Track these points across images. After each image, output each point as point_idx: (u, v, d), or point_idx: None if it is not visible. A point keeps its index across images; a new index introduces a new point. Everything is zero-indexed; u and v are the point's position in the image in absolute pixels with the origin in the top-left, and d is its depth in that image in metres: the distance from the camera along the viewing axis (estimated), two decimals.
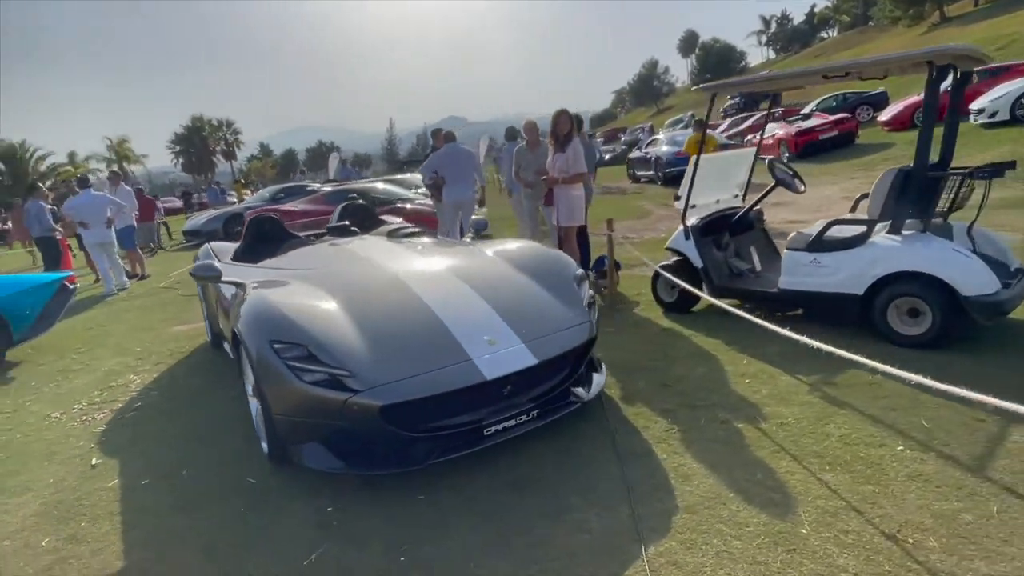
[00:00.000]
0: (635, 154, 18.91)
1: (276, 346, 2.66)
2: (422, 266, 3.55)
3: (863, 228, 3.79)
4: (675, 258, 4.86)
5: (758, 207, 4.99)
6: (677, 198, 4.87)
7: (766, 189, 4.81)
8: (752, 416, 2.99)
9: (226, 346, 4.21)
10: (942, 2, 42.61)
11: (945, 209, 3.83)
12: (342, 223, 5.25)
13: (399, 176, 14.96)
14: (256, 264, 4.12)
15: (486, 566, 2.15)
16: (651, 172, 16.69)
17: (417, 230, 4.96)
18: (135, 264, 10.22)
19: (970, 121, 13.64)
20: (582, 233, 6.11)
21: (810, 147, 16.02)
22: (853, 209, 4.61)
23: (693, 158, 4.70)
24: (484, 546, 2.25)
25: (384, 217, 5.92)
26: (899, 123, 15.73)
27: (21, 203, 12.80)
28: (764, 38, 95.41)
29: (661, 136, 18.87)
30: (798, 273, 4.04)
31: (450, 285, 3.21)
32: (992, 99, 13.35)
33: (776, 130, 17.50)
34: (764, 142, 17.16)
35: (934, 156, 3.79)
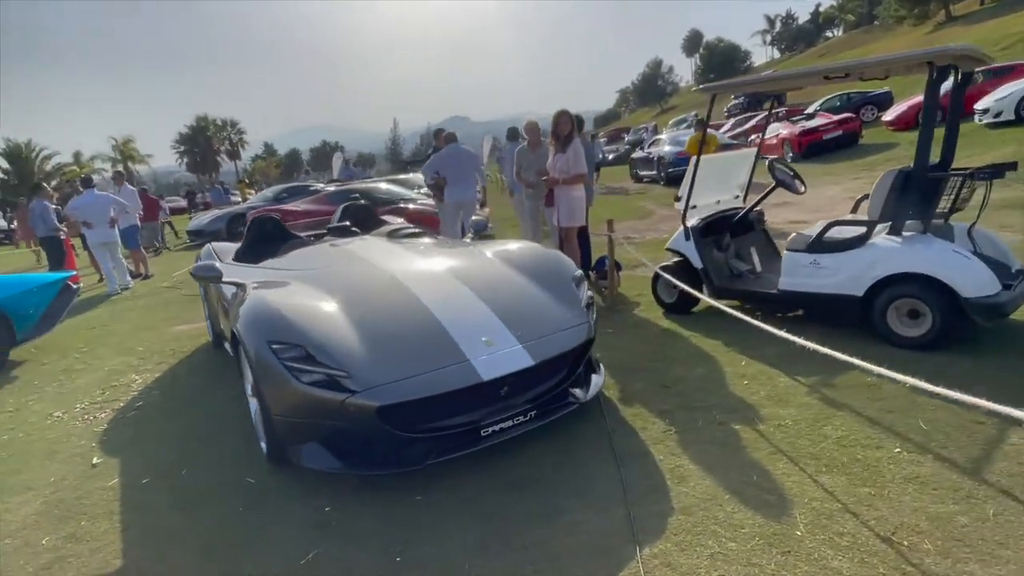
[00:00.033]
0: (638, 154, 18.89)
1: (274, 346, 2.68)
2: (421, 267, 3.56)
3: (863, 229, 3.78)
4: (675, 259, 4.86)
5: (758, 208, 4.99)
6: (677, 199, 4.87)
7: (766, 190, 4.80)
8: (750, 417, 2.99)
9: (227, 346, 4.23)
10: (948, 1, 42.43)
11: (946, 210, 3.82)
12: (343, 223, 5.26)
13: (402, 176, 14.98)
14: (257, 264, 4.13)
15: (482, 567, 2.15)
16: (654, 172, 16.67)
17: (417, 230, 4.97)
18: (138, 264, 10.27)
19: (975, 121, 13.59)
20: (583, 234, 6.11)
21: (814, 147, 15.98)
22: (854, 210, 4.60)
23: (693, 159, 4.70)
24: (480, 547, 2.26)
25: (385, 217, 5.92)
26: (903, 123, 15.68)
27: (26, 203, 12.87)
28: (768, 37, 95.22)
29: (664, 136, 18.85)
30: (798, 274, 4.04)
31: (448, 286, 3.22)
32: (997, 99, 13.31)
33: (780, 130, 17.46)
34: (768, 142, 17.20)
35: (935, 157, 3.79)
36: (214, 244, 5.15)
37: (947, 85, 3.83)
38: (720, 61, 76.94)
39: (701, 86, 4.82)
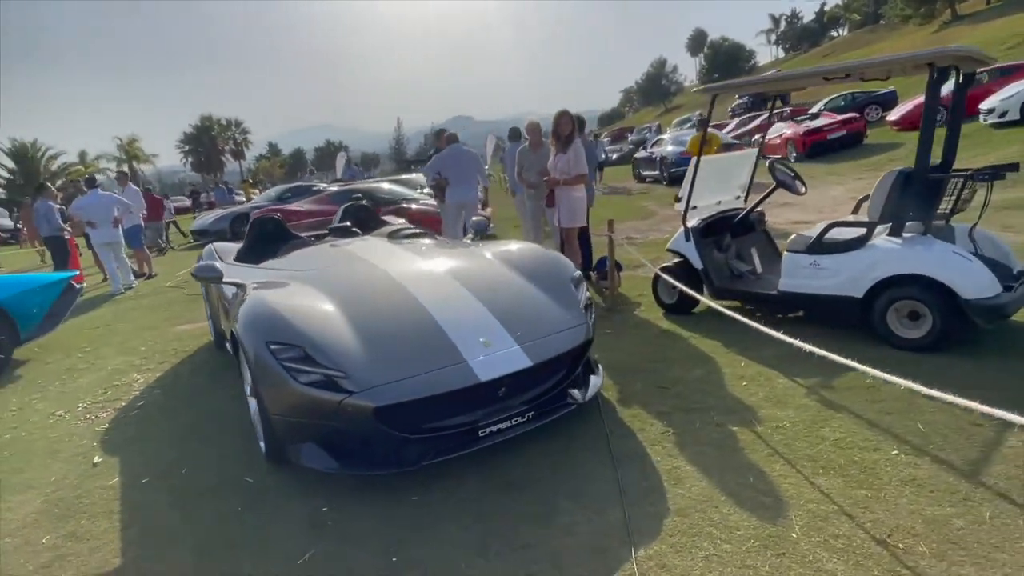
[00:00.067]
0: (640, 154, 18.87)
1: (273, 347, 2.69)
2: (420, 267, 3.57)
3: (863, 230, 3.77)
4: (676, 259, 4.85)
5: (759, 208, 4.98)
6: (678, 200, 4.87)
7: (767, 190, 4.79)
8: (747, 419, 2.99)
9: (228, 346, 4.25)
10: (954, 0, 42.23)
11: (947, 211, 3.81)
12: (344, 224, 5.28)
13: (404, 176, 15.01)
14: (257, 265, 4.15)
15: (477, 567, 2.16)
16: (656, 172, 16.65)
17: (418, 231, 4.98)
18: (142, 263, 10.31)
19: (979, 121, 13.53)
20: (584, 234, 6.11)
21: (818, 147, 15.93)
22: (855, 211, 4.59)
23: (694, 159, 4.70)
24: (477, 547, 2.27)
25: (386, 218, 5.94)
26: (908, 123, 15.61)
27: (30, 203, 12.95)
28: (773, 37, 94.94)
29: (666, 136, 18.83)
30: (798, 275, 4.03)
31: (447, 287, 3.23)
32: (1002, 99, 13.24)
33: (784, 129, 17.42)
34: (772, 141, 17.18)
35: (936, 158, 3.78)
36: (215, 244, 5.17)
37: (950, 86, 3.83)
38: (724, 60, 76.77)
39: (701, 87, 4.81)
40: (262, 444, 3.03)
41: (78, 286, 6.13)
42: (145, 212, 10.65)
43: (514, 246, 3.80)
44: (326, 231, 5.29)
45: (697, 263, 4.62)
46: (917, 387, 1.97)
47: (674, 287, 4.48)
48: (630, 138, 33.96)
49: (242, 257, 4.52)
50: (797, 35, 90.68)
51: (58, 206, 9.70)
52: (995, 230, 4.11)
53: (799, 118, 18.66)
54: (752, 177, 5.15)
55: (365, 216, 5.52)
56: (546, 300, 3.20)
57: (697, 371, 3.68)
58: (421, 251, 3.98)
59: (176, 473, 3.11)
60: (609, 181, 19.38)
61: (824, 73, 4.04)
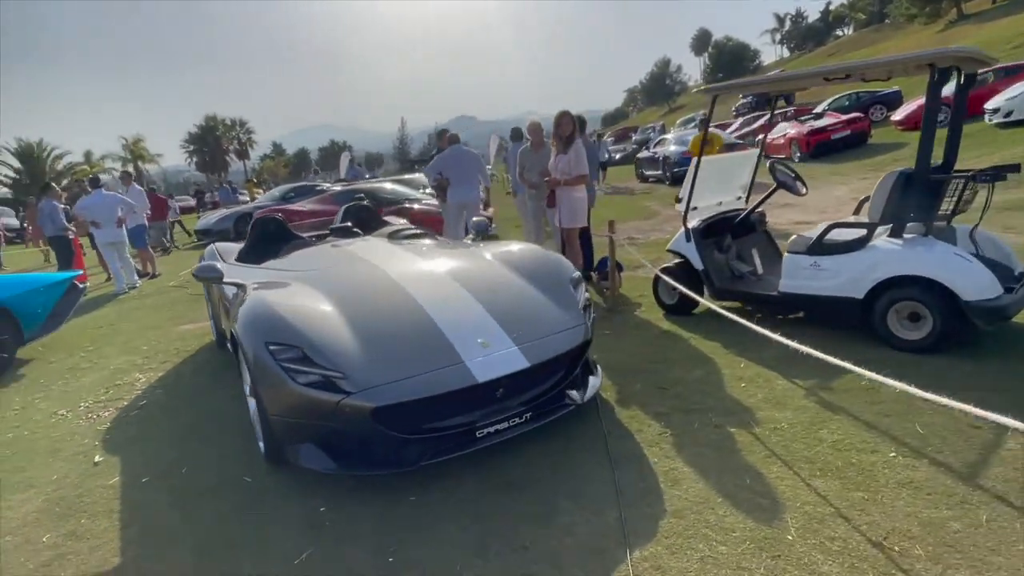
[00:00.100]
0: (643, 154, 18.86)
1: (271, 347, 2.70)
2: (419, 268, 3.57)
3: (863, 231, 3.76)
4: (677, 260, 4.85)
5: (760, 209, 4.97)
6: (678, 200, 4.86)
7: (768, 191, 4.78)
8: (746, 420, 2.99)
9: (228, 346, 4.27)
10: None
11: (948, 212, 3.80)
12: (345, 224, 5.29)
13: (407, 176, 15.02)
14: (258, 265, 4.16)
15: (473, 568, 2.17)
16: (659, 172, 16.63)
17: (419, 231, 4.99)
18: (146, 263, 10.36)
19: (985, 121, 13.48)
20: (585, 235, 6.11)
21: (822, 147, 15.90)
22: (856, 211, 4.58)
23: (694, 160, 4.69)
24: (473, 548, 2.27)
25: (387, 218, 5.95)
26: (913, 123, 15.55)
27: (35, 203, 13.02)
28: (778, 36, 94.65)
29: (669, 136, 18.81)
30: (798, 276, 4.02)
31: (446, 287, 3.23)
32: (1008, 98, 13.18)
33: (788, 129, 17.38)
34: (775, 141, 17.12)
35: (938, 159, 3.76)
36: (217, 244, 5.19)
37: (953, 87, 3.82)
38: (729, 60, 76.60)
39: (702, 87, 4.81)
40: (261, 444, 3.04)
41: (81, 286, 6.16)
42: (149, 212, 10.70)
43: (514, 247, 3.81)
44: (327, 231, 5.30)
45: (698, 264, 4.62)
46: (912, 390, 1.96)
47: (674, 288, 4.48)
48: (634, 138, 33.92)
49: (243, 257, 4.54)
50: (802, 34, 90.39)
51: (62, 206, 9.75)
52: (997, 231, 4.10)
53: (803, 118, 18.61)
54: (753, 178, 5.14)
55: (366, 216, 5.53)
56: (545, 301, 3.20)
57: (696, 372, 3.68)
58: (421, 252, 3.99)
59: (176, 473, 3.12)
60: (612, 181, 19.36)
61: (825, 74, 4.04)
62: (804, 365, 3.39)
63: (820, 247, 3.91)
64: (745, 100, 34.11)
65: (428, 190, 11.19)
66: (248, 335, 2.84)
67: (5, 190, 46.58)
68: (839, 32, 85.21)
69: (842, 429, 2.80)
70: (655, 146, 18.21)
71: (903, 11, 47.82)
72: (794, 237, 4.13)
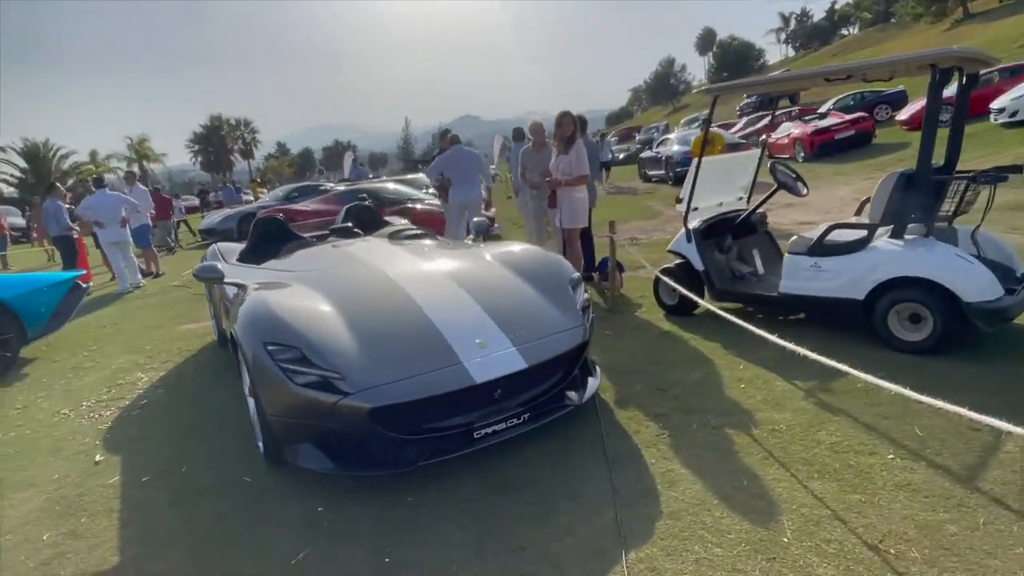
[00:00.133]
0: (646, 154, 18.84)
1: (270, 348, 2.71)
2: (418, 268, 3.58)
3: (864, 232, 3.75)
4: (677, 261, 4.84)
5: (761, 210, 4.96)
6: (679, 201, 4.85)
7: (768, 192, 4.77)
8: (744, 422, 2.98)
9: (230, 346, 4.29)
10: None
11: (950, 213, 3.78)
12: (345, 224, 5.30)
13: (410, 176, 15.04)
14: (259, 265, 4.17)
15: (470, 568, 2.17)
16: (662, 172, 16.60)
17: (419, 232, 5.00)
18: (150, 262, 10.41)
19: (990, 120, 13.41)
20: (586, 235, 6.11)
21: (826, 147, 15.84)
22: (858, 212, 4.57)
23: (695, 160, 4.68)
24: (470, 548, 2.27)
25: (388, 218, 5.96)
26: (918, 122, 15.44)
27: (40, 202, 13.10)
28: (783, 36, 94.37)
29: (672, 136, 18.78)
30: (799, 277, 4.01)
31: (444, 288, 3.24)
32: (1013, 98, 13.11)
33: (792, 129, 17.32)
34: (779, 141, 17.07)
35: (939, 159, 3.75)
36: (219, 244, 5.21)
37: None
38: (733, 59, 76.44)
39: (703, 87, 4.80)
40: (261, 444, 3.05)
41: (84, 285, 6.19)
42: (153, 211, 10.75)
43: (513, 247, 3.81)
44: (328, 231, 5.31)
45: (698, 264, 4.61)
46: (908, 392, 1.96)
47: (674, 289, 4.47)
48: (637, 137, 33.87)
49: (244, 257, 4.55)
50: (807, 34, 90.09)
51: (67, 206, 9.80)
52: (1000, 231, 4.08)
53: (807, 118, 18.55)
54: (755, 178, 5.13)
55: (367, 216, 5.54)
56: (543, 302, 3.20)
57: (696, 373, 3.67)
58: (420, 252, 4.00)
59: (176, 472, 3.13)
60: (615, 181, 19.34)
61: (826, 74, 4.02)
62: (804, 366, 3.37)
63: (821, 248, 3.90)
64: (749, 100, 33.99)
65: (431, 190, 11.21)
66: (247, 335, 2.85)
67: (11, 189, 46.84)
68: (844, 31, 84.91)
69: (840, 431, 2.79)
70: (658, 146, 18.19)
71: (909, 10, 47.66)
72: (795, 238, 4.12)
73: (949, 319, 3.40)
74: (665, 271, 4.75)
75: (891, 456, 2.54)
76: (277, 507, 2.70)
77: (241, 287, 3.46)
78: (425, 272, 3.51)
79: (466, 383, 2.65)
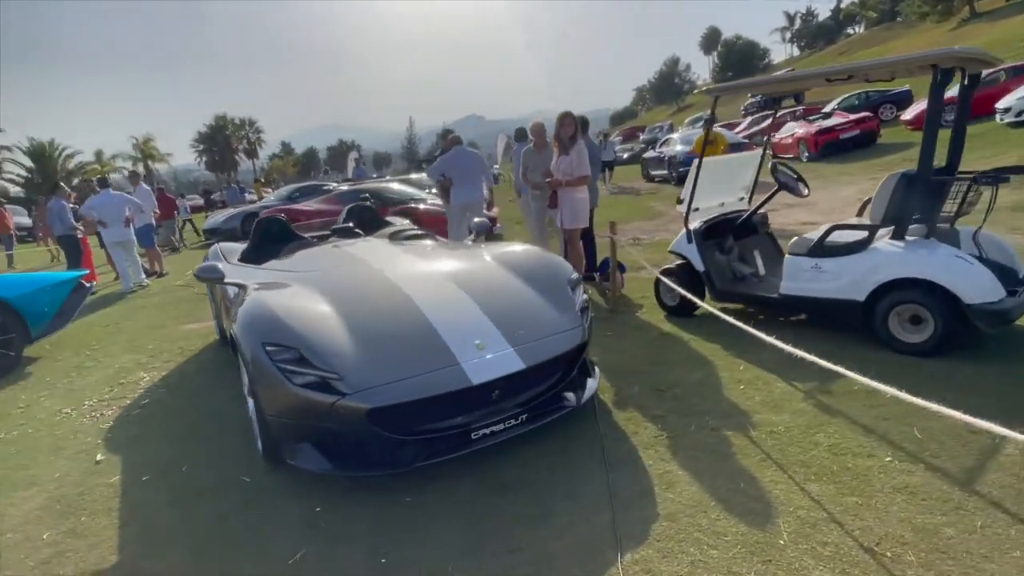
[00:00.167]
0: (650, 154, 18.81)
1: (268, 348, 2.72)
2: (418, 269, 3.58)
3: (865, 233, 3.74)
4: (678, 261, 4.83)
5: (762, 211, 4.94)
6: (680, 202, 4.84)
7: (769, 193, 4.76)
8: (742, 424, 2.97)
9: (231, 346, 4.31)
10: None
11: (952, 214, 3.76)
12: (346, 224, 5.32)
13: (414, 175, 15.06)
14: (260, 266, 4.19)
15: (465, 569, 2.17)
16: (665, 171, 16.58)
17: (420, 232, 5.01)
18: (153, 262, 10.45)
19: (996, 120, 13.34)
20: (588, 235, 6.10)
21: (830, 146, 15.78)
22: (860, 213, 4.55)
23: (696, 160, 4.67)
24: (465, 549, 2.28)
25: (390, 218, 5.97)
26: (923, 122, 15.39)
27: (44, 202, 13.17)
28: (788, 35, 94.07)
29: (675, 135, 18.75)
30: (799, 278, 4.00)
31: (443, 289, 3.24)
32: (1019, 97, 13.03)
33: (796, 129, 17.27)
34: (783, 140, 17.01)
35: (941, 160, 3.73)
36: (221, 244, 5.24)
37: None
38: (738, 59, 76.29)
39: (703, 88, 4.79)
40: (259, 444, 3.06)
41: (88, 285, 6.23)
42: (157, 211, 10.79)
43: (512, 248, 3.81)
44: (329, 231, 5.33)
45: (699, 265, 4.60)
46: (902, 395, 1.95)
47: (674, 290, 4.46)
48: (641, 137, 33.82)
49: (246, 257, 4.57)
50: (812, 33, 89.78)
51: (71, 205, 9.85)
52: (1003, 232, 4.06)
53: (812, 117, 18.48)
54: (756, 178, 5.12)
55: (368, 217, 5.56)
56: (542, 303, 3.20)
57: (695, 374, 3.67)
58: (420, 253, 4.00)
59: (176, 472, 3.15)
60: (618, 181, 19.32)
61: (827, 75, 4.01)
62: (804, 368, 3.36)
63: (821, 249, 3.88)
64: (754, 99, 33.90)
65: (433, 190, 11.22)
66: (246, 336, 2.86)
67: (17, 189, 47.08)
68: (850, 30, 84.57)
69: (839, 433, 2.78)
70: (661, 146, 18.16)
71: (915, 9, 47.44)
72: (795, 239, 4.11)
73: (950, 321, 3.38)
74: (666, 272, 4.75)
75: (889, 458, 2.53)
76: (276, 507, 2.71)
77: (241, 287, 3.47)
78: (424, 273, 3.51)
79: (463, 384, 2.65)
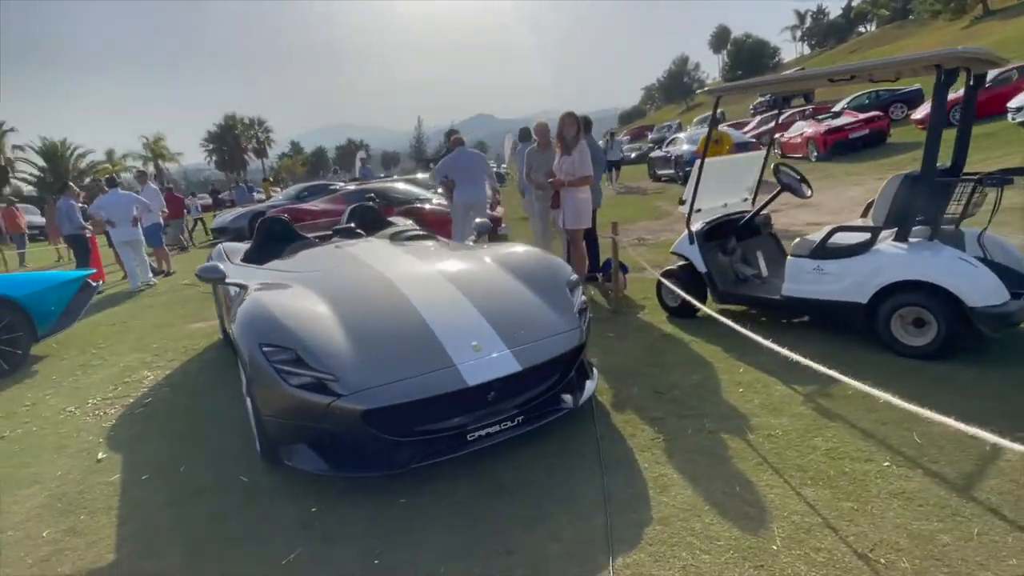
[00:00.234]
0: (656, 153, 18.75)
1: (266, 349, 2.73)
2: (416, 270, 3.59)
3: (868, 235, 3.71)
4: (680, 263, 4.81)
5: (765, 212, 4.91)
6: (682, 202, 4.82)
7: (772, 194, 4.73)
8: (740, 427, 2.96)
9: (231, 345, 4.33)
10: None
11: (956, 216, 3.72)
12: (348, 225, 5.34)
13: (420, 175, 15.08)
14: (261, 266, 4.21)
15: (457, 571, 2.17)
16: (672, 171, 16.53)
17: (420, 232, 5.01)
18: (161, 261, 10.54)
19: (1007, 119, 13.18)
20: (591, 236, 6.09)
21: (839, 146, 15.67)
22: (864, 214, 4.50)
23: (698, 161, 4.65)
24: (458, 551, 2.28)
25: (393, 219, 5.99)
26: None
27: (53, 201, 13.31)
28: (798, 33, 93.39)
29: (682, 135, 18.67)
30: (802, 280, 3.97)
31: (441, 289, 3.24)
32: None
33: (805, 128, 17.14)
34: (792, 140, 16.89)
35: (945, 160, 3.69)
36: (225, 244, 5.27)
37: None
38: (748, 58, 75.81)
39: (706, 89, 4.77)
40: (257, 444, 3.08)
41: (94, 284, 6.28)
42: (165, 210, 10.87)
43: (513, 249, 3.81)
44: (331, 231, 5.35)
45: (701, 267, 4.58)
46: (896, 401, 1.94)
47: (675, 292, 4.44)
48: (649, 136, 33.70)
49: (248, 257, 4.59)
50: (823, 31, 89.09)
51: (80, 205, 9.94)
52: (1008, 234, 4.01)
53: (820, 116, 18.34)
54: (760, 179, 5.08)
55: (371, 217, 5.57)
56: (540, 304, 3.20)
57: (695, 376, 3.65)
58: (420, 254, 4.01)
59: (175, 471, 3.17)
60: (625, 180, 19.27)
61: (830, 75, 3.98)
62: (804, 371, 3.31)
63: (824, 251, 3.85)
64: (763, 98, 33.66)
65: (439, 190, 11.24)
66: (243, 336, 2.88)
67: (30, 188, 47.59)
68: (861, 29, 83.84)
69: (837, 437, 2.76)
70: (668, 145, 18.09)
71: (927, 7, 47.01)
72: (797, 240, 4.08)
73: (953, 324, 3.35)
74: (667, 273, 4.73)
75: (887, 463, 2.51)
76: (272, 507, 2.72)
77: (242, 287, 3.49)
78: (423, 274, 3.51)
79: (459, 385, 2.66)
